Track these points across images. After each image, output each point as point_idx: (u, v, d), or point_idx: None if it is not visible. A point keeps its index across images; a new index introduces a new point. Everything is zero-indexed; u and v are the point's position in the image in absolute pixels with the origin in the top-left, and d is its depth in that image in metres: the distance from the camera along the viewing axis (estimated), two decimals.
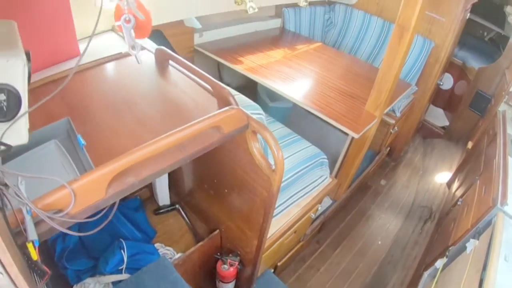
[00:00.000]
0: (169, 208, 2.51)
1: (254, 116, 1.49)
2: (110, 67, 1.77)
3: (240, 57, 3.06)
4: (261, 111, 1.66)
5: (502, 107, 3.94)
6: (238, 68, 2.91)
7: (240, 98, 1.64)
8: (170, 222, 2.45)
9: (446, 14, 3.92)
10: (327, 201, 3.23)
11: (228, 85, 3.25)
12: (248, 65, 2.95)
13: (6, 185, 0.80)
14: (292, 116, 3.37)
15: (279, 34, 3.90)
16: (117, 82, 1.67)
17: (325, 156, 2.63)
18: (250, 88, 3.27)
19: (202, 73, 1.56)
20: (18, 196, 0.80)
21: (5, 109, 0.83)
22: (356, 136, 2.43)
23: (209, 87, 1.59)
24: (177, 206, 2.51)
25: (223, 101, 1.45)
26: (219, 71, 3.47)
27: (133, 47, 1.00)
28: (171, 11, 2.65)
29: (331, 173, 2.89)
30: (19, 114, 0.86)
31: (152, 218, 2.43)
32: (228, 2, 3.01)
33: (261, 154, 1.51)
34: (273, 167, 1.47)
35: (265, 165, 1.51)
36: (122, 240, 2.02)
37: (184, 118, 1.41)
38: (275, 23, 3.97)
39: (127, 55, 1.80)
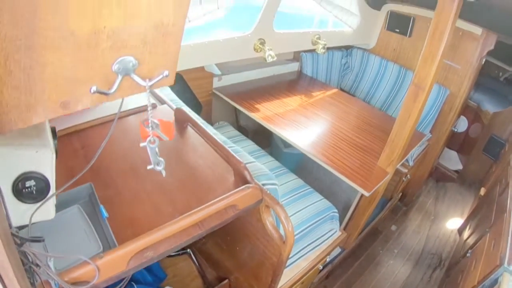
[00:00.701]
0: (181, 252, 2.53)
1: (268, 187, 1.54)
2: (132, 120, 1.85)
3: (257, 104, 3.13)
4: (275, 181, 1.70)
5: None
6: (254, 116, 2.98)
7: (255, 166, 1.69)
8: (181, 266, 2.47)
9: (462, 61, 3.99)
10: (336, 250, 3.25)
11: (244, 127, 3.33)
12: (264, 114, 3.02)
13: (37, 265, 0.87)
14: (305, 162, 3.39)
15: (296, 78, 3.98)
16: (138, 139, 1.73)
17: (336, 210, 2.65)
18: (265, 132, 3.31)
19: (219, 143, 1.62)
20: (48, 273, 0.88)
21: (34, 192, 0.89)
22: (366, 194, 2.45)
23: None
24: (188, 250, 2.53)
25: (239, 174, 1.50)
26: (236, 114, 3.54)
27: (158, 164, 1.07)
28: (192, 58, 2.76)
29: (341, 223, 2.91)
30: (47, 197, 0.92)
31: (163, 259, 2.44)
32: (247, 49, 3.11)
33: (273, 226, 1.56)
34: (284, 238, 1.51)
35: (276, 236, 1.56)
36: (134, 284, 2.06)
37: (202, 188, 1.48)
38: (293, 66, 4.07)
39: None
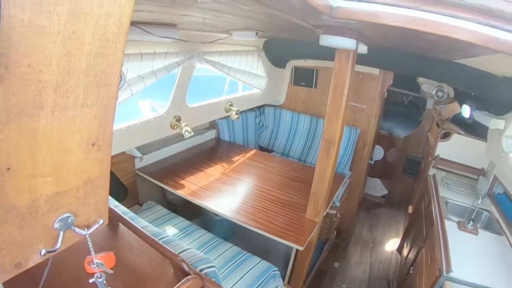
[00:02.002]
0: None
1: (207, 271, 1.66)
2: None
3: (181, 180, 3.19)
4: (212, 263, 1.82)
5: (431, 171, 4.36)
6: (180, 193, 3.03)
7: (191, 253, 1.80)
8: None
9: (366, 101, 4.44)
10: None
11: (172, 201, 3.37)
12: (189, 189, 3.08)
13: None
14: (238, 225, 3.47)
15: (215, 145, 4.13)
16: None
17: (276, 268, 2.75)
18: (193, 203, 3.40)
19: (153, 239, 1.69)
20: None
21: None
22: (301, 248, 2.60)
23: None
24: None
25: (177, 266, 1.59)
26: (163, 190, 3.54)
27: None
28: (112, 145, 2.79)
29: (284, 277, 3.04)
30: None
31: None
32: (165, 128, 3.23)
33: None
34: None
35: None
36: None
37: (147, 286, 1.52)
38: (211, 134, 4.22)
39: None
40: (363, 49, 2.52)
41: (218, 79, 4.41)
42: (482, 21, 1.30)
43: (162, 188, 3.30)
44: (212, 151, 3.97)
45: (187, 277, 1.47)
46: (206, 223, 3.35)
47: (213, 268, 1.79)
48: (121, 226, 1.90)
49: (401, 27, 1.42)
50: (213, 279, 1.64)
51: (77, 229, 0.90)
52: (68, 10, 0.63)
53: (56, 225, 0.85)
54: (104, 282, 1.13)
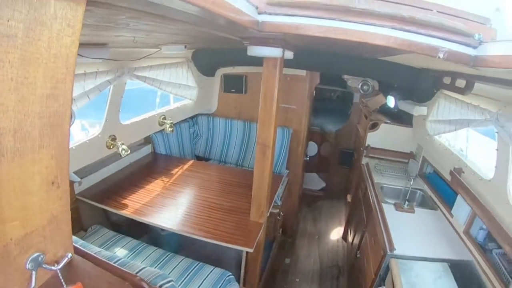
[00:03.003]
0: None
1: (167, 285, 1.68)
2: None
3: (123, 199, 3.13)
4: (170, 277, 1.83)
5: (364, 160, 4.61)
6: (124, 213, 2.98)
7: (148, 271, 1.81)
8: None
9: (296, 101, 4.60)
10: None
11: (117, 222, 3.29)
12: (133, 207, 3.03)
13: None
14: (186, 236, 3.46)
15: (153, 160, 4.08)
16: None
17: (230, 273, 2.80)
18: (138, 222, 3.34)
19: (109, 264, 1.66)
20: None
21: None
22: (250, 250, 2.67)
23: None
24: None
25: (136, 286, 1.57)
26: (106, 212, 3.43)
27: None
28: None
29: (239, 280, 3.10)
30: None
31: None
32: (101, 149, 3.17)
33: None
34: None
35: None
36: None
37: None
38: (147, 149, 4.15)
39: None
40: (289, 55, 2.63)
41: (149, 90, 4.38)
42: (397, 27, 1.45)
43: (104, 210, 3.22)
44: (150, 167, 3.92)
45: None
46: (154, 239, 3.31)
47: (172, 283, 1.81)
48: (74, 255, 1.87)
49: (324, 37, 1.53)
50: None
51: (48, 266, 0.91)
52: (19, 56, 0.65)
53: (28, 266, 0.87)
54: None
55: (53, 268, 0.92)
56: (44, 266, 0.90)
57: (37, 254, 0.87)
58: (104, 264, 1.64)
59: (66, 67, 0.77)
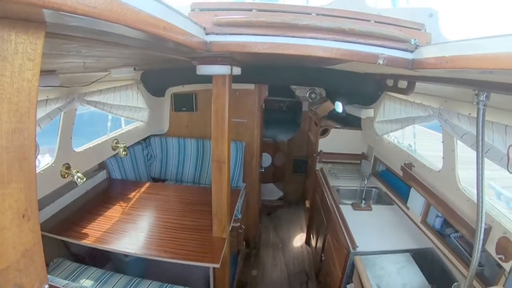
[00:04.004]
0: None
1: None
2: None
3: (83, 229, 3.04)
4: None
5: (318, 166, 4.75)
6: (85, 243, 2.89)
7: None
8: None
9: (246, 115, 4.68)
10: None
11: (78, 254, 3.20)
12: (94, 236, 2.94)
13: None
14: (151, 260, 3.39)
15: (108, 186, 3.98)
16: None
17: None
18: (100, 251, 3.26)
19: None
20: None
21: None
22: (217, 266, 2.69)
23: None
24: None
25: None
26: (66, 245, 3.33)
27: None
28: None
29: None
30: None
31: None
32: (55, 179, 3.07)
33: None
34: None
35: None
36: None
37: None
38: (102, 175, 4.03)
39: None
40: (237, 71, 2.69)
41: (100, 114, 4.31)
42: (338, 39, 1.55)
43: (65, 242, 3.12)
44: (106, 193, 3.82)
45: None
46: (118, 266, 3.23)
47: None
48: None
49: (269, 53, 1.60)
50: None
51: None
52: None
53: None
54: None
55: None
56: None
57: None
58: None
59: (29, 100, 0.78)
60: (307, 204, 5.61)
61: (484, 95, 1.82)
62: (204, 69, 2.29)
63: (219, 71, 2.33)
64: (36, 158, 0.89)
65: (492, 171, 2.55)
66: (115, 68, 2.81)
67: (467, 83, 1.87)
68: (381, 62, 1.55)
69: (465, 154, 2.49)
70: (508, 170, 1.81)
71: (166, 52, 1.72)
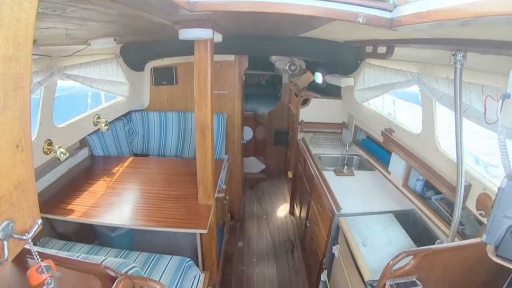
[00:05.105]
0: None
1: (131, 272, 1.68)
2: None
3: (68, 206, 3.00)
4: (133, 264, 1.85)
5: (299, 135, 4.82)
6: (71, 218, 2.87)
7: (110, 262, 1.80)
8: None
9: (227, 86, 4.72)
10: None
11: (64, 233, 3.20)
12: (80, 211, 2.92)
13: None
14: (137, 236, 3.47)
15: (91, 163, 3.95)
16: None
17: (188, 259, 2.84)
18: (87, 228, 3.28)
19: (70, 259, 1.63)
20: None
21: None
22: (204, 231, 2.73)
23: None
24: None
25: (103, 275, 1.54)
26: (51, 224, 3.28)
27: None
28: None
29: (198, 265, 3.13)
30: None
31: None
32: (38, 156, 2.99)
33: None
34: None
35: None
36: None
37: None
38: (83, 153, 3.98)
39: None
40: (218, 37, 2.68)
41: (78, 96, 4.23)
42: None
43: (50, 222, 3.11)
44: (89, 169, 3.79)
45: (117, 279, 1.46)
46: (105, 243, 3.20)
47: (136, 268, 1.82)
48: (30, 261, 1.80)
49: (250, 11, 1.61)
50: None
51: (18, 236, 0.89)
52: None
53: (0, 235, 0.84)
54: None
55: (23, 238, 0.91)
56: (14, 236, 0.89)
57: (7, 222, 0.84)
58: (65, 261, 1.61)
59: (26, 32, 0.78)
60: (290, 174, 5.70)
61: (461, 55, 1.90)
62: (186, 33, 2.29)
63: (201, 34, 2.32)
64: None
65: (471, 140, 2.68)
66: (96, 38, 2.77)
67: (443, 42, 1.93)
68: (361, 20, 1.58)
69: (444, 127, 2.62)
70: (486, 122, 1.88)
71: (151, 12, 1.71)
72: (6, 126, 0.79)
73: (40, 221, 0.97)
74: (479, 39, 1.65)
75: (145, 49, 4.22)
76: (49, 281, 1.10)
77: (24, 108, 0.84)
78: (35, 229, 0.95)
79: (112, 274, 1.51)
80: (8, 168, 0.83)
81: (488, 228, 1.40)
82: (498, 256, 1.39)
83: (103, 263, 1.68)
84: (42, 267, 1.08)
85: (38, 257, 1.05)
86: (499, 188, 1.35)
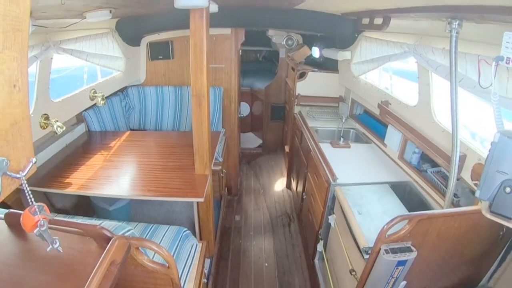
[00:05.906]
0: None
1: (127, 234, 1.71)
2: None
3: (66, 179, 3.00)
4: (129, 227, 1.89)
5: (296, 109, 4.83)
6: (69, 191, 2.86)
7: (107, 224, 1.85)
8: None
9: (223, 60, 4.68)
10: (207, 261, 3.34)
11: (62, 208, 3.22)
12: (77, 184, 2.91)
13: None
14: (134, 209, 3.52)
15: (88, 139, 3.94)
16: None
17: (185, 229, 2.88)
18: (85, 203, 3.31)
19: (66, 220, 1.66)
20: None
21: None
22: (201, 200, 2.77)
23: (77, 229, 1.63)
24: None
25: (99, 236, 1.56)
26: (49, 199, 3.29)
27: (53, 242, 1.15)
28: None
29: (195, 235, 3.17)
30: None
31: None
32: (34, 131, 2.95)
33: (151, 261, 1.75)
34: (167, 264, 1.75)
35: (158, 268, 1.76)
36: None
37: (76, 269, 1.44)
38: (80, 129, 3.97)
39: None
40: (214, 7, 2.66)
41: (73, 78, 4.20)
42: None
43: (48, 198, 3.12)
44: (87, 144, 3.79)
45: (113, 239, 1.48)
46: (103, 217, 3.21)
47: (132, 231, 1.86)
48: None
49: None
50: None
51: (12, 174, 0.90)
52: None
53: None
54: (48, 230, 1.12)
55: (17, 176, 0.91)
56: (8, 173, 0.89)
57: (2, 159, 0.85)
58: (61, 223, 1.63)
59: None
60: (286, 149, 5.74)
61: (457, 23, 1.90)
62: (182, 2, 2.28)
63: (197, 2, 2.31)
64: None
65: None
66: (91, 11, 2.74)
67: (439, 9, 1.92)
68: None
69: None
70: (481, 87, 1.89)
71: None
72: (4, 65, 0.80)
73: (34, 159, 0.97)
74: (474, 4, 1.65)
75: (141, 23, 4.16)
76: (42, 222, 1.09)
77: (22, 50, 0.85)
78: (29, 167, 0.95)
79: (108, 234, 1.52)
80: (4, 106, 0.83)
81: (481, 184, 1.42)
82: (492, 212, 1.41)
83: (100, 225, 1.70)
84: (36, 207, 1.07)
85: (31, 197, 1.06)
86: (492, 142, 1.37)
